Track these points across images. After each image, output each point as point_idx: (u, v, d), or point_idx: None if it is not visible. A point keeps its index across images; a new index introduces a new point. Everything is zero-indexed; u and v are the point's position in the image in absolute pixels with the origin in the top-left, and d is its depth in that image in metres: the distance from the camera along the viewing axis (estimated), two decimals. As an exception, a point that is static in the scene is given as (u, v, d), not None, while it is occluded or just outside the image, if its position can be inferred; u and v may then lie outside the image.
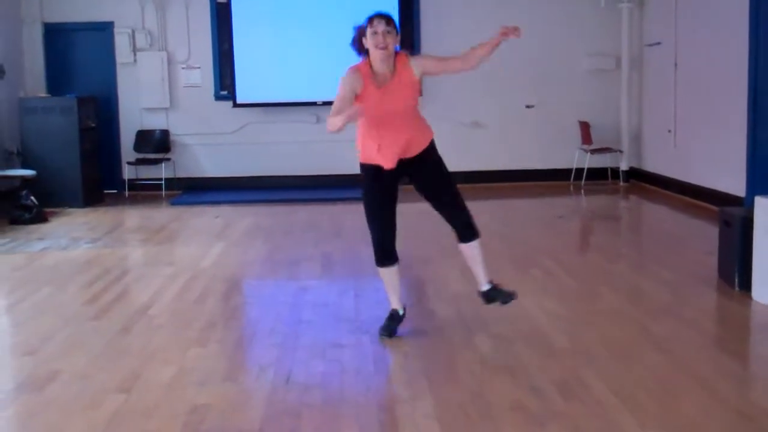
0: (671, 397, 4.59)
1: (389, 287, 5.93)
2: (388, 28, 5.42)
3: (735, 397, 4.67)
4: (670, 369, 5.05)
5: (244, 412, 4.55)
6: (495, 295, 5.90)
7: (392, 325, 5.88)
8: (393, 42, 5.46)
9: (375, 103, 5.48)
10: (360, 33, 5.54)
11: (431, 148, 5.81)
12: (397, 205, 5.86)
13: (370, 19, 5.47)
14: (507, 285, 6.00)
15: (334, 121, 5.14)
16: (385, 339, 5.80)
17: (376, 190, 5.72)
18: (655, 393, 4.63)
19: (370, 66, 5.53)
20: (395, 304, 5.94)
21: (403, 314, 5.95)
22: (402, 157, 5.63)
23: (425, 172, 5.79)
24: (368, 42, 5.46)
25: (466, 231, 5.91)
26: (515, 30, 5.60)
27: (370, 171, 5.69)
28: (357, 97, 5.47)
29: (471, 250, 5.91)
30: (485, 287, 5.91)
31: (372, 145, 5.61)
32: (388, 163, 5.60)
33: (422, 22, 13.83)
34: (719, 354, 5.46)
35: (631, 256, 8.84)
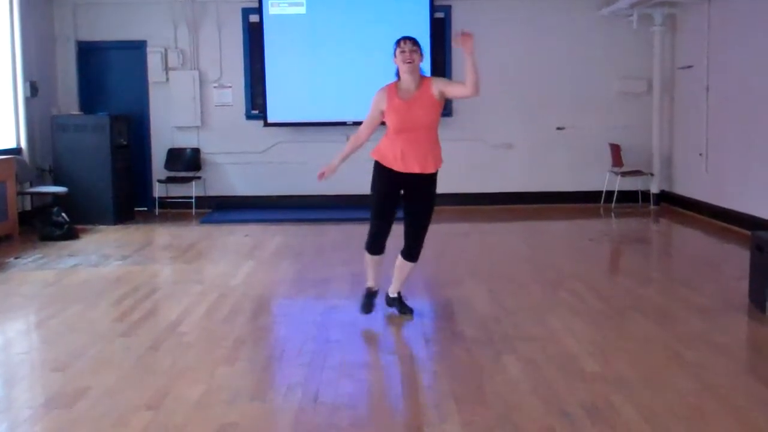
0: (702, 424, 4.54)
1: (372, 269, 6.79)
2: (414, 48, 6.38)
3: (767, 424, 4.60)
4: (701, 395, 4.99)
5: (272, 432, 4.55)
6: (394, 303, 6.95)
7: (369, 301, 6.83)
8: (418, 59, 6.39)
9: (400, 113, 6.36)
10: (393, 54, 6.45)
11: (435, 176, 6.60)
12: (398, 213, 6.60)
13: (398, 42, 6.43)
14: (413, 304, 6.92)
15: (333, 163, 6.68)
16: (363, 314, 6.75)
17: (385, 190, 6.52)
18: (686, 419, 4.59)
19: (397, 85, 6.45)
20: (371, 283, 6.84)
21: (377, 291, 6.86)
22: (418, 171, 6.42)
23: (419, 197, 6.56)
24: (398, 60, 6.39)
25: (412, 254, 6.71)
26: (462, 36, 6.09)
27: (384, 172, 6.49)
28: (384, 113, 6.44)
29: (406, 267, 6.79)
30: (393, 294, 6.95)
31: (396, 150, 6.41)
32: (405, 168, 6.41)
33: (453, 47, 13.82)
34: (751, 380, 5.39)
35: (661, 280, 8.78)
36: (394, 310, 6.91)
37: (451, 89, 6.49)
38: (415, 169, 6.39)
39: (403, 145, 6.37)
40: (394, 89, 6.43)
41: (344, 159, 6.68)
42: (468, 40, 6.03)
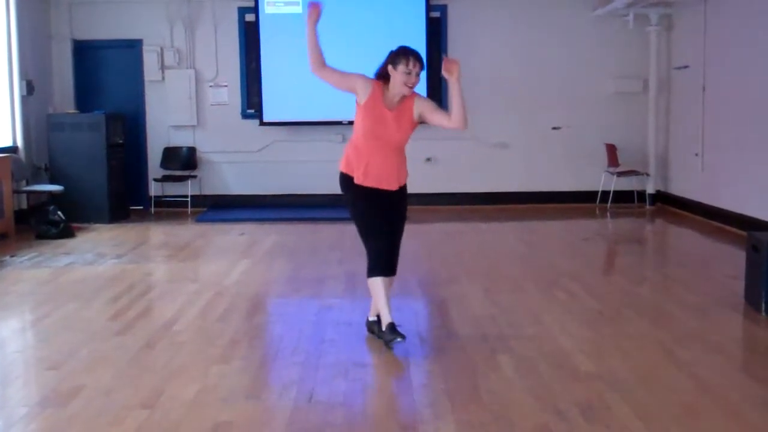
0: (696, 422, 4.54)
1: (385, 297, 5.95)
2: (420, 71, 5.78)
3: (762, 423, 4.60)
4: (696, 394, 5.00)
5: (267, 431, 4.54)
6: (375, 327, 6.20)
7: (396, 331, 5.89)
8: (418, 82, 5.82)
9: (377, 120, 5.83)
10: (388, 62, 5.85)
11: (405, 189, 6.08)
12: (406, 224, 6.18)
13: (407, 57, 5.78)
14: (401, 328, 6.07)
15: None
16: (401, 343, 5.91)
17: (368, 203, 5.93)
18: (680, 418, 4.59)
19: (383, 89, 5.88)
20: (389, 317, 5.95)
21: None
22: (382, 186, 5.91)
23: (395, 208, 6.01)
24: (396, 75, 5.78)
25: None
26: (449, 63, 5.72)
27: (357, 186, 5.93)
28: (360, 102, 5.88)
29: (385, 282, 6.02)
30: (373, 317, 6.24)
31: (362, 161, 5.90)
32: (368, 182, 5.88)
33: (449, 45, 13.84)
34: (746, 379, 5.40)
35: (656, 280, 8.78)
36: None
37: (434, 117, 5.91)
38: (374, 184, 5.89)
39: (369, 156, 5.87)
40: (381, 91, 5.87)
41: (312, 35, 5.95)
42: (453, 65, 5.67)
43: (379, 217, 5.95)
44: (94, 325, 6.79)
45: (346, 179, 6.01)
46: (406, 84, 5.77)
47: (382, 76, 5.92)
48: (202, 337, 6.39)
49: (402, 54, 5.81)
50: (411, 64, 5.75)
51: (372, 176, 5.89)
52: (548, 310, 7.03)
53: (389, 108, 5.87)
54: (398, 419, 4.70)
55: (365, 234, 6.02)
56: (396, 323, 5.95)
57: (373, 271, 5.98)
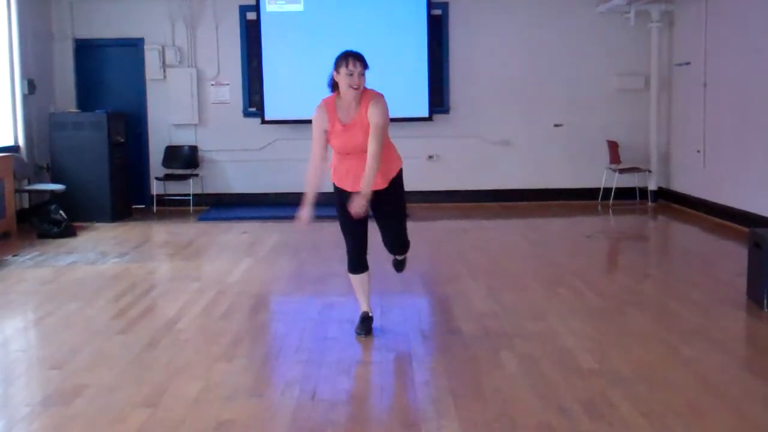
0: (699, 420, 4.54)
1: (360, 292, 6.39)
2: (362, 70, 5.86)
3: (765, 420, 4.60)
4: (699, 391, 4.99)
5: (270, 428, 4.55)
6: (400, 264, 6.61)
7: (367, 324, 6.31)
8: (364, 82, 5.89)
9: (340, 137, 5.95)
10: (334, 69, 5.94)
11: (397, 178, 6.18)
12: (371, 223, 6.23)
13: (346, 59, 5.87)
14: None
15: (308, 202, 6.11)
16: (362, 338, 6.20)
17: (347, 210, 5.94)
18: (683, 415, 4.59)
19: (336, 102, 5.99)
20: (365, 307, 6.38)
21: (372, 316, 6.39)
22: (374, 188, 5.95)
23: (382, 208, 6.19)
24: (341, 79, 5.87)
25: (400, 250, 6.46)
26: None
27: (342, 193, 6.14)
28: (328, 132, 5.97)
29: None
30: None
31: (342, 170, 6.11)
32: (355, 187, 5.94)
33: (450, 43, 13.83)
34: (748, 376, 5.39)
35: (659, 277, 8.77)
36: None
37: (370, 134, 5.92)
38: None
39: (348, 166, 6.04)
40: (333, 107, 5.96)
41: (315, 189, 6.14)
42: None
43: (350, 221, 6.08)
44: (97, 323, 6.79)
45: (337, 189, 6.25)
46: (351, 86, 5.83)
47: (334, 86, 6.00)
48: (205, 336, 6.40)
49: (342, 57, 5.91)
50: (351, 64, 5.83)
51: (354, 180, 6.00)
52: (551, 308, 7.03)
53: (347, 122, 5.92)
54: (401, 417, 4.70)
55: (342, 231, 6.35)
56: (371, 315, 6.37)
57: (348, 269, 6.34)
